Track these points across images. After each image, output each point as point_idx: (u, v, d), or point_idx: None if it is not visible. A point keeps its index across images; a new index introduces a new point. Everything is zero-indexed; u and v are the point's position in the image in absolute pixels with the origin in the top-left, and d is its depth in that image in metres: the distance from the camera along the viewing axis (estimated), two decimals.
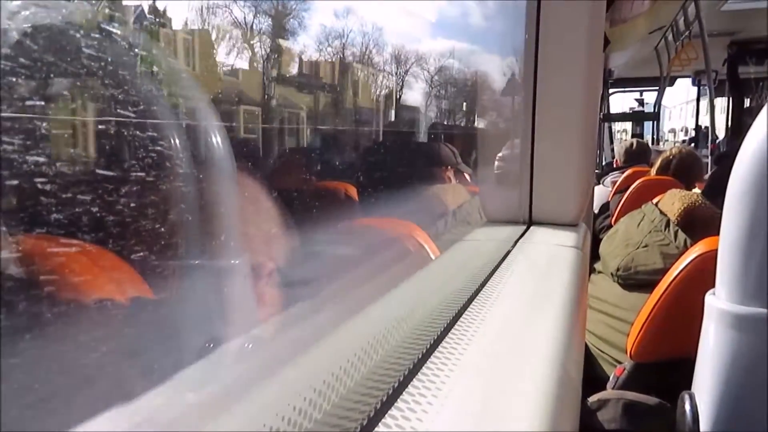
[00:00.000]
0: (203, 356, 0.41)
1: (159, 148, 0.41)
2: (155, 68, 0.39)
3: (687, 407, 0.45)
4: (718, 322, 0.43)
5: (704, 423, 0.43)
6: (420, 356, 0.32)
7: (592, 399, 0.78)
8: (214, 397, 0.25)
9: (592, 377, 1.09)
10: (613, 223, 1.91)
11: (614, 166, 3.11)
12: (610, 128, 5.71)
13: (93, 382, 0.32)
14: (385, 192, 0.78)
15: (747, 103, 4.82)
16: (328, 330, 0.31)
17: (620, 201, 2.01)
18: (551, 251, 0.67)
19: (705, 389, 0.44)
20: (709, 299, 0.45)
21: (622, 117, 6.30)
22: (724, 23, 4.01)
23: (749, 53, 4.62)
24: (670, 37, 4.33)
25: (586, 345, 1.19)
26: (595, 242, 1.38)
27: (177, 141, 0.46)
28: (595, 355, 1.17)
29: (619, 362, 1.06)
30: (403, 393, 0.28)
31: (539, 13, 0.83)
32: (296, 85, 0.67)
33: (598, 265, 1.33)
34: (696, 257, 0.84)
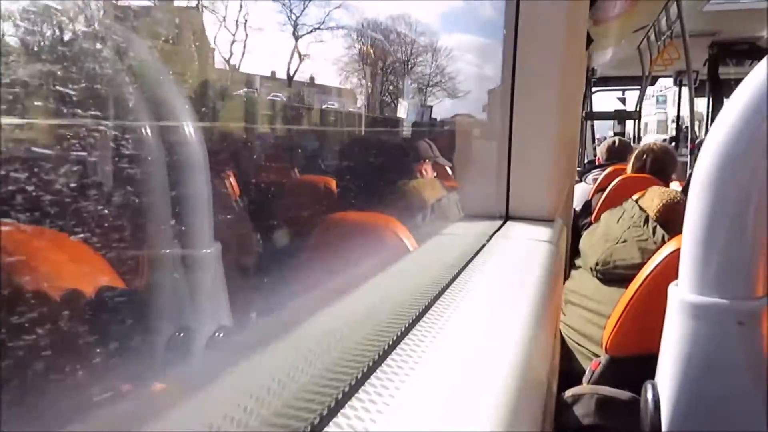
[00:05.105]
0: (172, 346, 0.40)
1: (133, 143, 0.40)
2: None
3: (649, 396, 0.45)
4: (681, 313, 0.44)
5: (665, 411, 0.44)
6: (381, 353, 0.31)
7: (568, 393, 0.78)
8: (157, 396, 0.24)
9: (570, 371, 1.10)
10: (593, 220, 1.93)
11: (596, 163, 3.14)
12: (592, 126, 5.76)
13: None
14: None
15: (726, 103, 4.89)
16: (287, 325, 0.30)
17: (601, 198, 2.03)
18: (526, 246, 0.67)
19: (667, 378, 0.44)
20: (672, 290, 0.46)
21: (605, 116, 6.37)
22: (705, 24, 4.06)
23: (730, 54, 4.69)
24: (653, 37, 4.38)
25: (565, 339, 1.20)
26: (577, 239, 1.38)
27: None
28: (573, 349, 1.18)
29: (597, 356, 1.06)
30: (359, 391, 0.27)
31: (518, 9, 0.82)
32: None
33: (578, 261, 1.34)
34: (670, 253, 0.85)
